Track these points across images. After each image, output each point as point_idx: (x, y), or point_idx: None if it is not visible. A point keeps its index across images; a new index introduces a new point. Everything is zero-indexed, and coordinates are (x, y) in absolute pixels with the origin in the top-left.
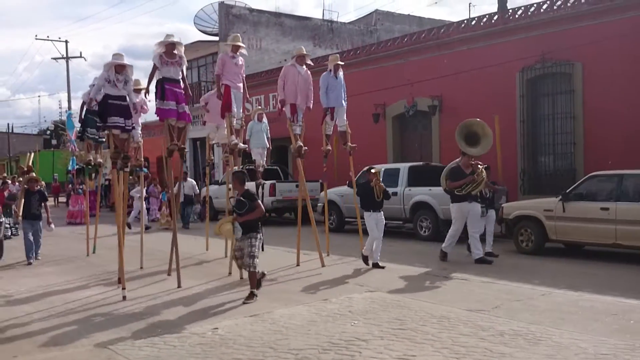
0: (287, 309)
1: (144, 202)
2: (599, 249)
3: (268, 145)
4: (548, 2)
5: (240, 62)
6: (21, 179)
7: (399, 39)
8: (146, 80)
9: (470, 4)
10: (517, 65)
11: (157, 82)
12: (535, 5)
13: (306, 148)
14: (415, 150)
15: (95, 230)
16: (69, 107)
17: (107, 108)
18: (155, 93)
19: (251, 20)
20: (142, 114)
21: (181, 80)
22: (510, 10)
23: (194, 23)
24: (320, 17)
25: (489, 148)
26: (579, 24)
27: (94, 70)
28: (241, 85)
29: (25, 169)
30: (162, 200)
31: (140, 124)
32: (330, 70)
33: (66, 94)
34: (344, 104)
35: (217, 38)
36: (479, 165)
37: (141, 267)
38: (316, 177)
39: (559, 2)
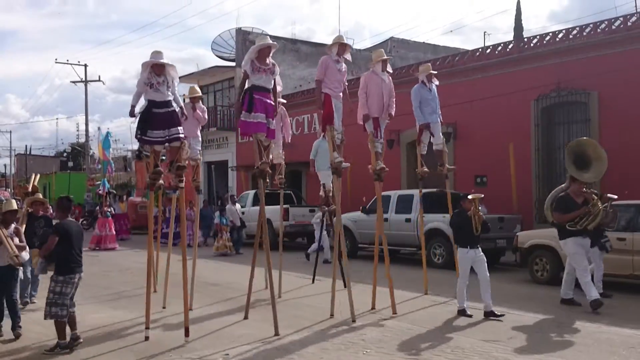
0: (298, 335)
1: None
2: (616, 280)
3: None
4: (564, 31)
5: (344, 69)
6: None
7: (414, 66)
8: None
9: (485, 32)
10: (532, 94)
11: (245, 91)
12: (550, 34)
13: (385, 168)
14: (429, 176)
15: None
16: (87, 130)
17: (149, 118)
18: (242, 103)
19: None
20: (201, 125)
21: (272, 90)
22: (526, 39)
23: (212, 49)
24: None
25: (603, 173)
26: (595, 53)
27: (112, 93)
28: (341, 94)
29: (30, 189)
30: (222, 225)
31: (200, 137)
32: (423, 82)
33: (84, 117)
34: (440, 119)
35: (233, 64)
36: (594, 195)
37: (155, 289)
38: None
39: (574, 32)
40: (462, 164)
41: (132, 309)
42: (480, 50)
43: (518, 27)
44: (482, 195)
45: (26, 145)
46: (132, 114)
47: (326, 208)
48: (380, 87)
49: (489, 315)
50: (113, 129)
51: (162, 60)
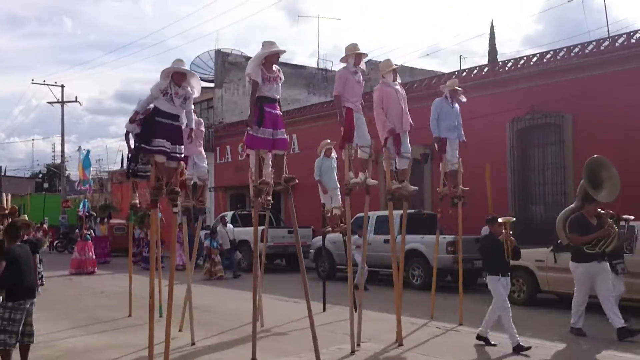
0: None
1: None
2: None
3: (339, 185)
4: (538, 54)
5: (362, 80)
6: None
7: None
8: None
9: (461, 56)
10: (507, 116)
11: (255, 102)
12: (525, 57)
13: (400, 187)
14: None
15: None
16: (63, 151)
17: (153, 126)
18: (252, 116)
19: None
20: (199, 139)
21: (278, 100)
22: (501, 62)
23: (190, 70)
24: (315, 65)
25: (617, 192)
26: (568, 77)
27: (89, 114)
28: (361, 107)
29: (7, 211)
30: (212, 247)
31: (204, 154)
32: (446, 97)
33: (60, 138)
34: (460, 137)
35: (212, 84)
36: (610, 218)
37: (130, 313)
38: (310, 222)
39: (548, 55)
40: (439, 184)
41: (106, 334)
42: (456, 73)
43: (492, 50)
44: (514, 219)
45: (0, 166)
46: (132, 120)
47: (328, 229)
48: (396, 98)
49: (482, 339)
50: (90, 149)
51: (183, 68)
